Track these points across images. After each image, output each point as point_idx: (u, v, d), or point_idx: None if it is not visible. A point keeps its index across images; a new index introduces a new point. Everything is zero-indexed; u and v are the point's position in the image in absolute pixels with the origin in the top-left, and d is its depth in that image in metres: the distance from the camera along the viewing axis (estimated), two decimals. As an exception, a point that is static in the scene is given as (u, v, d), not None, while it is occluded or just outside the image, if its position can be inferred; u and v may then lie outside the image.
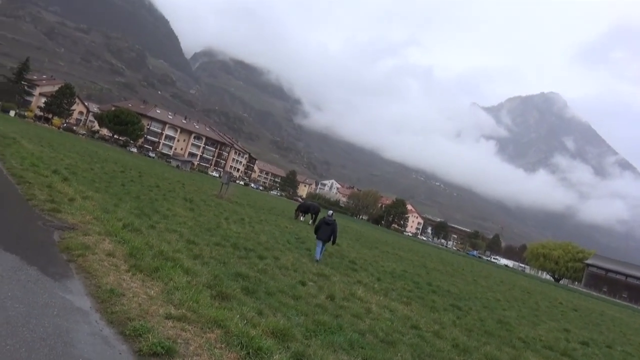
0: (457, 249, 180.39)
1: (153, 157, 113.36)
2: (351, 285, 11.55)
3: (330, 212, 16.18)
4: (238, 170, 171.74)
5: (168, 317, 5.07)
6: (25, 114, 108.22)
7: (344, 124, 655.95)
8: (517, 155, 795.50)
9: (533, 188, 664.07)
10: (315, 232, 15.02)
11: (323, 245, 14.78)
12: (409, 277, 17.82)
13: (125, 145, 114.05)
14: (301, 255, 14.64)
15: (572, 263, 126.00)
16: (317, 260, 14.30)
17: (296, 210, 35.45)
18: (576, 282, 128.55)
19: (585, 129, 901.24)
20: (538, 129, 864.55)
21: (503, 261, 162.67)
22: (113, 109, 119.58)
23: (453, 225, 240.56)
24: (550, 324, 16.61)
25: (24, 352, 3.57)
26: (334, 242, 15.34)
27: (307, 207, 35.29)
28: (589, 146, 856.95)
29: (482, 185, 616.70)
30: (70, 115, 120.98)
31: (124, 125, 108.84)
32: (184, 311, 5.32)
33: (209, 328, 5.05)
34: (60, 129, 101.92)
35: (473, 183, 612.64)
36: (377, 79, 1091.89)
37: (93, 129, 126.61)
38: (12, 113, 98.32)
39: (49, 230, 7.74)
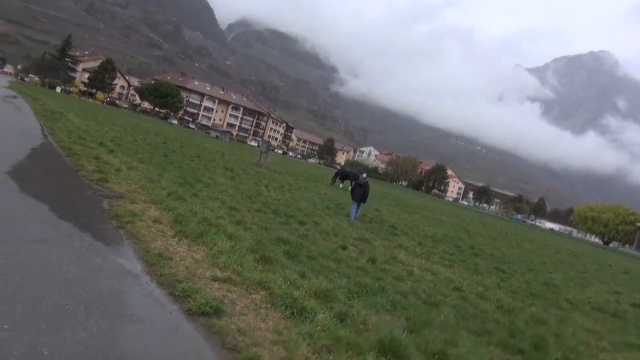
0: (500, 214, 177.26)
1: (193, 129, 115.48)
2: (392, 249, 11.55)
3: (364, 174, 18.20)
4: (276, 139, 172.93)
5: (214, 279, 5.21)
6: (71, 89, 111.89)
7: (380, 90, 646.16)
8: (564, 117, 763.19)
9: (581, 150, 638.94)
10: (351, 194, 16.68)
11: (358, 205, 16.23)
12: (450, 241, 17.66)
13: (166, 117, 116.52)
14: (341, 220, 14.70)
15: (623, 226, 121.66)
16: (350, 221, 15.35)
17: (334, 177, 35.48)
18: (627, 245, 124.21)
19: (638, 88, 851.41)
20: (586, 89, 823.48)
21: (548, 225, 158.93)
22: (153, 82, 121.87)
23: (495, 189, 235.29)
24: (599, 286, 16.18)
25: (82, 312, 3.76)
26: (365, 201, 16.62)
27: (347, 174, 35.21)
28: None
29: (526, 149, 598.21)
30: (113, 89, 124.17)
31: (164, 98, 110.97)
32: (229, 274, 5.45)
33: (254, 289, 5.17)
34: (104, 103, 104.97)
35: (516, 146, 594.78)
36: (415, 42, 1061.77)
37: (135, 102, 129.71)
38: (58, 89, 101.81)
39: (98, 199, 8.04)
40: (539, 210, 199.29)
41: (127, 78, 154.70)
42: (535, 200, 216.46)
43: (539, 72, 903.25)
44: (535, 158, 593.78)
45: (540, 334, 6.95)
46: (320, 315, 4.71)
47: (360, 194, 16.05)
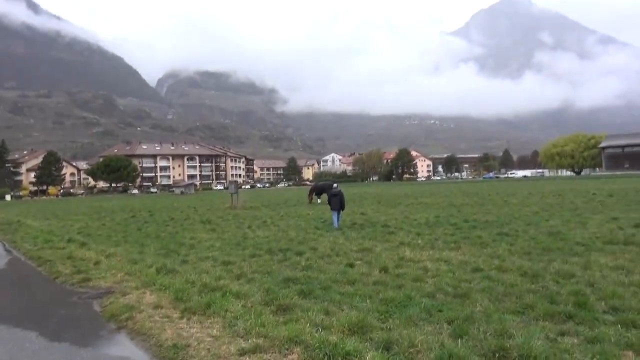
0: (473, 177, 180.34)
1: (156, 192, 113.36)
2: (396, 250, 11.26)
3: (335, 185, 19.08)
4: (240, 175, 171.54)
5: (242, 353, 4.75)
6: (21, 194, 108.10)
7: (324, 97, 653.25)
8: (499, 67, 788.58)
9: (525, 93, 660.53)
10: (329, 204, 17.75)
11: (338, 213, 17.32)
12: (444, 222, 17.52)
13: (125, 190, 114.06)
14: (335, 237, 14.34)
15: (588, 152, 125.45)
16: (337, 228, 16.63)
17: (309, 194, 35.04)
18: (597, 169, 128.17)
19: (557, 18, 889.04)
20: (511, 34, 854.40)
21: (520, 173, 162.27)
22: (101, 159, 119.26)
23: (461, 155, 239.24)
24: (596, 218, 16.33)
25: None
26: (343, 209, 17.67)
27: (321, 188, 34.86)
28: (566, 34, 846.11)
29: (475, 109, 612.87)
30: (63, 179, 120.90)
31: (117, 172, 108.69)
32: (254, 340, 5.00)
33: (287, 349, 4.73)
34: (59, 197, 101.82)
35: (466, 109, 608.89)
36: (341, 41, 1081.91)
37: (89, 185, 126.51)
38: (7, 197, 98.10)
39: (87, 302, 7.42)
40: (507, 162, 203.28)
41: (74, 164, 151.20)
42: (500, 154, 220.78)
43: (462, 32, 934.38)
44: (486, 114, 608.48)
45: (576, 290, 6.75)
46: (369, 355, 4.31)
47: (337, 203, 17.08)
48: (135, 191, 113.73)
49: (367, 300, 6.68)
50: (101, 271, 9.40)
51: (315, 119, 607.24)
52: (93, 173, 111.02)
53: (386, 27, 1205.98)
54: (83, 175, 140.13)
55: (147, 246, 13.77)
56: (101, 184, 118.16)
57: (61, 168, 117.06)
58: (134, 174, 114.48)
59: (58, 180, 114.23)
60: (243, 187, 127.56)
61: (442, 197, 36.50)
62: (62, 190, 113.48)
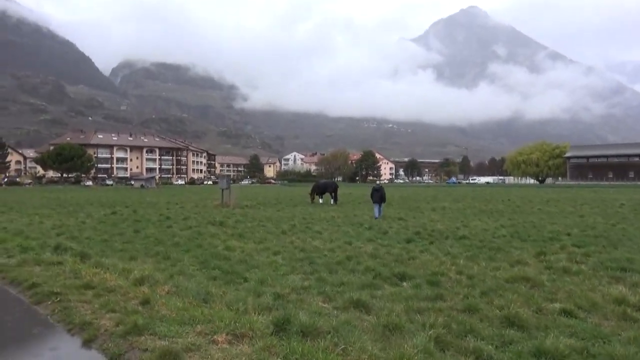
0: (436, 181, 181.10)
1: (112, 185, 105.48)
2: (569, 282, 7.83)
3: (378, 182, 22.86)
4: (201, 171, 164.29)
5: None
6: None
7: (283, 96, 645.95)
8: (456, 76, 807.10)
9: (479, 103, 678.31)
10: (371, 197, 20.29)
11: (379, 206, 19.96)
12: (534, 234, 14.21)
13: (78, 181, 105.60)
14: (435, 255, 10.70)
15: (552, 161, 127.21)
16: (376, 218, 19.06)
17: (312, 193, 31.46)
18: (560, 178, 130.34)
19: (511, 32, 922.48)
20: (468, 45, 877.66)
21: (483, 179, 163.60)
22: (52, 147, 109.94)
23: (421, 160, 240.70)
24: None
25: None
26: (384, 201, 20.49)
27: (324, 187, 31.50)
28: (519, 48, 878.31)
29: (432, 115, 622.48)
30: (8, 168, 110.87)
31: (70, 162, 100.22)
32: None
33: None
34: (3, 185, 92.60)
35: (423, 115, 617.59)
36: (303, 41, 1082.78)
37: (38, 174, 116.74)
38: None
39: None
40: (465, 168, 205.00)
41: (19, 151, 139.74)
42: (455, 160, 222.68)
43: (422, 40, 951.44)
44: (442, 121, 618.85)
45: None
46: None
47: (378, 197, 19.88)
48: (90, 183, 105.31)
49: None
50: (171, 324, 5.08)
51: (274, 118, 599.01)
52: (43, 161, 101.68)
53: (347, 29, 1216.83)
54: (30, 164, 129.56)
55: (179, 261, 9.58)
56: (51, 173, 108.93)
57: (6, 155, 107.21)
58: (88, 164, 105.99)
59: (2, 168, 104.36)
60: (205, 182, 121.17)
61: (452, 202, 33.47)
62: (6, 179, 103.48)
